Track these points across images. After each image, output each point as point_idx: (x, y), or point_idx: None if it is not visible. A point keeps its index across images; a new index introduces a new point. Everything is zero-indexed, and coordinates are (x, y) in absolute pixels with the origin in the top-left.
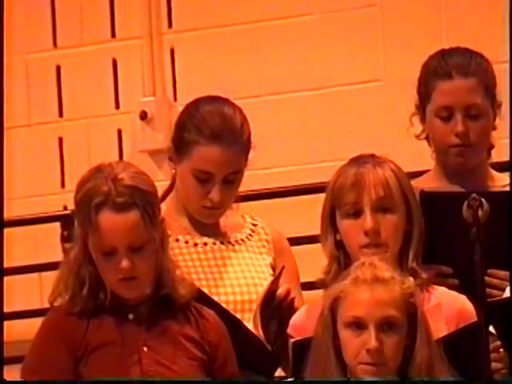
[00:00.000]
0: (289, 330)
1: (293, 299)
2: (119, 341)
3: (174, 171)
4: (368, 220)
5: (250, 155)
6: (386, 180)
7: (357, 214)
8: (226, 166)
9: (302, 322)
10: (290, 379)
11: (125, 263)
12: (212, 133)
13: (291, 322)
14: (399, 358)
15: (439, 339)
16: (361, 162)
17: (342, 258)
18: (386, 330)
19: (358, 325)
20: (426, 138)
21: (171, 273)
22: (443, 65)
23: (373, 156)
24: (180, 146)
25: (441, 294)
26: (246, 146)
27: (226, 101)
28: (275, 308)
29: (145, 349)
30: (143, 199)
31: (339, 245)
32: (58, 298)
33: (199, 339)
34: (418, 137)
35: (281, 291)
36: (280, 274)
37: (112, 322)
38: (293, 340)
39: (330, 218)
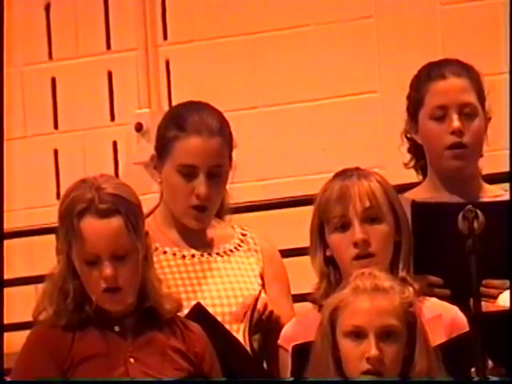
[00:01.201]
0: (280, 341)
1: (271, 312)
2: (106, 353)
3: (159, 180)
4: (357, 231)
5: (234, 157)
6: (371, 190)
7: (345, 226)
8: (208, 156)
9: (292, 333)
10: (289, 379)
11: (108, 271)
12: (192, 127)
13: (282, 333)
14: (399, 368)
15: (436, 346)
16: (345, 176)
17: (332, 275)
18: (385, 338)
19: (358, 334)
20: (414, 167)
21: (156, 287)
22: (436, 69)
23: (357, 169)
24: (162, 146)
25: (432, 304)
26: (227, 141)
27: (205, 104)
28: (256, 323)
29: (131, 360)
30: (126, 207)
31: (329, 261)
32: (42, 313)
33: (185, 350)
34: (406, 165)
35: (259, 306)
36: (259, 294)
37: (98, 334)
38: (293, 344)
39: (318, 234)
